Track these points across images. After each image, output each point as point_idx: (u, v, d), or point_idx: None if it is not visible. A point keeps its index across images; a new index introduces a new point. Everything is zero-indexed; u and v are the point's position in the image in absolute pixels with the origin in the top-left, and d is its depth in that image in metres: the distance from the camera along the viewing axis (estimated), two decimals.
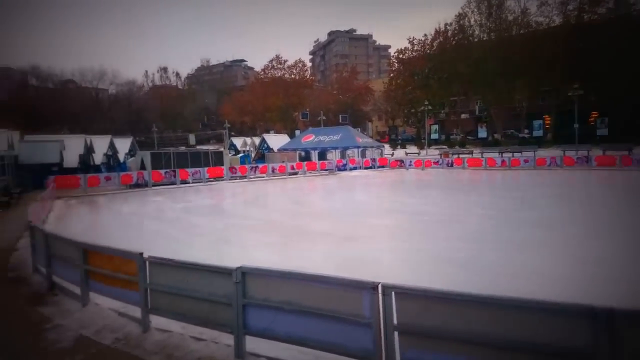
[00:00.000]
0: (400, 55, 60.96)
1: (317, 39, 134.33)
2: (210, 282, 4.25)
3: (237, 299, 4.00)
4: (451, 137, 56.37)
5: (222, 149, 34.04)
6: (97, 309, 5.57)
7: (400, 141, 59.07)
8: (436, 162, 33.54)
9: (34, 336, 4.90)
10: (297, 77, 70.72)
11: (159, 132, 67.76)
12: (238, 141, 54.22)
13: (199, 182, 25.94)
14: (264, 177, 29.08)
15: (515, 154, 31.91)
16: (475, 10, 50.85)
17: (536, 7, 47.45)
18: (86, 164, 31.73)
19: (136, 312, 5.08)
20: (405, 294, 3.16)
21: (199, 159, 28.71)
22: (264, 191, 22.45)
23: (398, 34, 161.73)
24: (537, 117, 50.77)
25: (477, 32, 52.06)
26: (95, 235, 9.76)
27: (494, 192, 18.27)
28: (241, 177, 28.39)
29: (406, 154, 44.11)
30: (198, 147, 58.00)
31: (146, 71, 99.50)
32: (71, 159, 29.51)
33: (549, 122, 49.58)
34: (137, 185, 23.90)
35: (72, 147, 29.82)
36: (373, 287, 3.24)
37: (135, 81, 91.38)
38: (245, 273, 3.97)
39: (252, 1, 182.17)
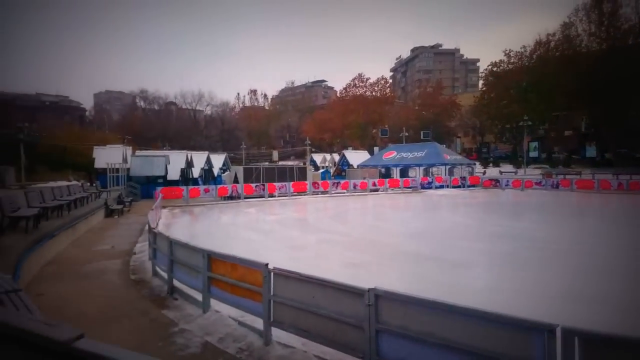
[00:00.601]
0: (494, 68, 57.54)
1: (400, 56, 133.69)
2: (338, 300, 4.05)
3: (370, 323, 3.72)
4: (553, 155, 51.17)
5: (305, 165, 34.88)
6: (218, 317, 5.70)
7: (492, 159, 55.27)
8: (538, 183, 30.50)
9: (164, 339, 5.12)
10: (377, 94, 70.64)
11: (247, 149, 72.18)
12: (318, 157, 55.33)
13: (285, 196, 26.72)
14: (344, 193, 29.04)
15: (634, 177, 27.68)
16: (585, 18, 46.17)
17: None
18: (186, 177, 34.73)
19: (256, 322, 5.11)
20: (593, 339, 2.60)
21: (284, 174, 29.72)
22: (347, 207, 22.28)
23: (487, 47, 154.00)
24: None
25: (585, 42, 47.11)
26: (196, 243, 10.25)
27: (615, 219, 15.78)
28: (322, 192, 28.68)
29: (500, 172, 41.04)
30: (281, 162, 60.57)
31: (238, 93, 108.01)
32: (174, 172, 32.50)
33: None
34: (231, 198, 25.36)
35: (175, 162, 32.85)
36: (550, 329, 2.73)
37: (228, 102, 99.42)
38: (379, 295, 3.69)
39: (334, 22, 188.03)
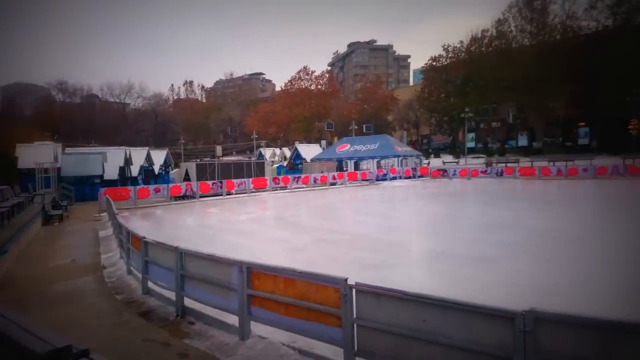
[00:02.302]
0: (434, 63, 59.96)
1: (337, 51, 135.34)
2: (468, 325, 3.12)
3: (526, 355, 2.84)
4: (488, 145, 54.76)
5: (263, 160, 33.43)
6: (266, 344, 4.63)
7: (431, 150, 57.77)
8: (484, 172, 32.19)
9: None
10: (323, 88, 70.46)
11: (185, 144, 67.93)
12: (267, 152, 53.77)
13: (244, 193, 25.25)
14: (304, 187, 28.24)
15: (569, 163, 30.31)
16: (517, 15, 49.68)
17: (583, 11, 46.01)
18: (124, 176, 31.48)
19: (326, 350, 4.18)
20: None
21: (241, 169, 28.17)
22: (317, 202, 21.55)
23: (418, 44, 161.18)
24: (574, 125, 49.16)
25: (518, 38, 50.81)
26: None
27: (582, 203, 16.50)
28: (282, 188, 27.61)
29: (444, 162, 42.85)
30: (225, 158, 57.90)
31: (172, 85, 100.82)
32: (111, 170, 29.25)
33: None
34: (185, 197, 23.31)
35: (112, 159, 29.57)
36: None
37: (161, 94, 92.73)
38: (538, 319, 2.80)
39: (271, 16, 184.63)
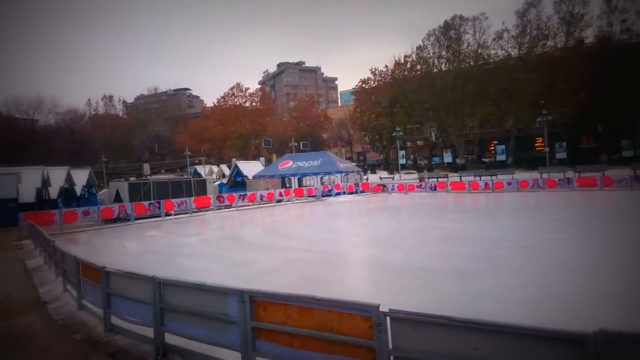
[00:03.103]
0: (364, 85, 62.84)
1: (267, 70, 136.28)
2: (526, 350, 2.76)
3: None
4: (418, 162, 58.16)
5: (204, 178, 31.77)
6: None
7: (366, 166, 59.83)
8: (419, 186, 33.94)
9: None
10: (259, 106, 69.97)
11: (106, 163, 62.53)
12: (202, 169, 51.46)
13: (185, 213, 23.73)
14: (250, 205, 27.38)
15: (493, 177, 33.07)
16: (435, 42, 54.15)
17: (492, 41, 51.50)
18: (42, 199, 27.95)
19: None
20: None
21: (180, 188, 26.51)
22: (269, 219, 20.93)
23: (344, 67, 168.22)
24: (486, 144, 54.61)
25: (436, 63, 55.30)
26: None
27: (522, 214, 17.31)
28: (226, 207, 26.47)
29: (380, 178, 44.48)
30: (154, 177, 54.22)
31: (89, 99, 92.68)
32: (27, 193, 25.81)
33: (492, 147, 53.46)
34: (118, 220, 21.24)
35: (27, 180, 26.14)
36: None
37: (77, 110, 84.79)
38: (612, 341, 2.46)
39: (197, 31, 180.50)
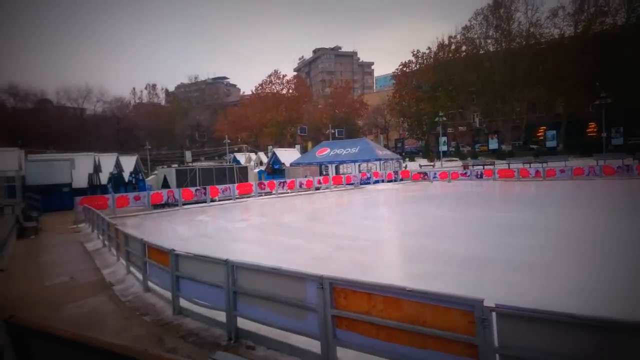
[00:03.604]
0: (405, 69, 60.97)
1: (302, 56, 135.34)
2: None
3: None
4: (461, 148, 56.22)
5: (246, 165, 32.28)
6: None
7: (405, 154, 58.57)
8: (464, 174, 32.78)
9: None
10: (295, 93, 69.89)
11: (151, 150, 64.94)
12: (241, 157, 52.33)
13: (229, 200, 24.17)
14: (290, 192, 27.51)
15: (544, 165, 31.37)
16: (484, 22, 51.53)
17: (546, 19, 48.26)
18: (94, 184, 29.42)
19: None
20: None
21: (223, 175, 27.01)
22: (312, 207, 20.92)
23: (380, 51, 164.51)
24: (534, 130, 51.74)
25: (484, 44, 52.69)
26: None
27: (582, 203, 16.45)
28: (266, 193, 26.73)
29: (420, 166, 43.43)
30: (196, 164, 55.81)
31: (134, 88, 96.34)
32: (80, 178, 27.21)
33: (541, 134, 50.50)
34: (167, 205, 21.95)
35: (80, 166, 27.51)
36: None
37: (122, 98, 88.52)
38: None
39: (233, 19, 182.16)
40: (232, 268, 5.15)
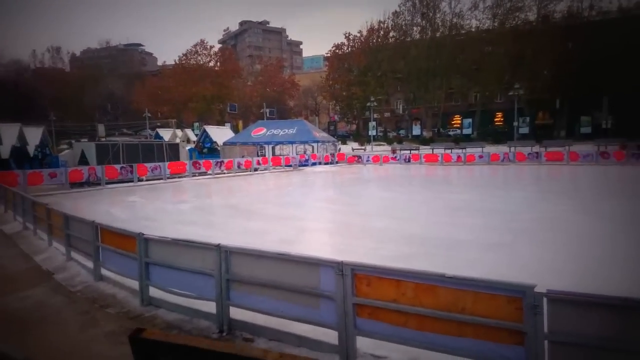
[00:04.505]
0: (337, 50, 61.05)
1: (228, 28, 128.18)
2: None
3: None
4: (388, 133, 58.52)
5: (177, 142, 29.90)
6: None
7: (336, 137, 59.41)
8: (393, 158, 34.29)
9: None
10: (223, 67, 66.19)
11: (58, 122, 57.38)
12: (165, 133, 48.61)
13: (159, 179, 22.36)
14: (227, 173, 26.30)
15: (464, 151, 33.95)
16: (412, 8, 53.45)
17: (467, 10, 51.53)
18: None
19: None
20: None
21: (152, 152, 24.84)
22: (256, 188, 20.24)
23: (309, 31, 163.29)
24: (449, 117, 56.11)
25: (409, 32, 54.80)
26: None
27: (512, 186, 17.87)
28: (201, 174, 25.25)
29: (352, 149, 44.44)
30: (110, 139, 50.57)
31: (34, 51, 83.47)
32: None
33: (459, 121, 54.96)
34: (88, 183, 19.58)
35: None
36: None
37: (21, 61, 76.39)
38: None
39: None
40: (225, 254, 4.64)
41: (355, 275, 3.84)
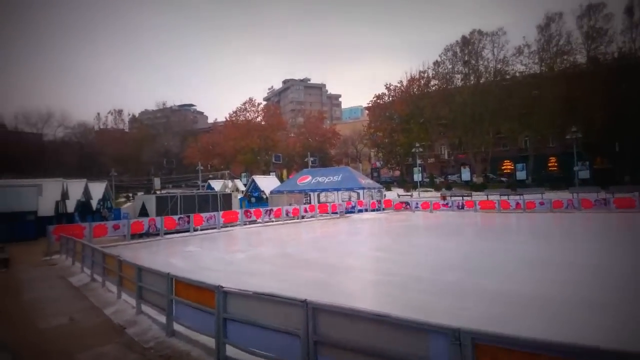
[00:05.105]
0: (379, 100, 62.61)
1: (272, 86, 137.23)
2: None
3: None
4: (435, 179, 57.33)
5: (230, 192, 30.91)
6: None
7: (381, 183, 58.97)
8: (445, 205, 33.05)
9: None
10: (271, 120, 69.73)
11: (117, 177, 61.69)
12: (216, 184, 50.57)
13: (213, 229, 22.79)
14: (276, 221, 26.41)
15: (523, 197, 32.03)
16: (453, 57, 54.20)
17: (511, 56, 51.26)
18: (60, 212, 27.05)
19: None
20: None
21: (207, 202, 25.64)
22: (308, 236, 20.05)
23: (347, 84, 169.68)
24: (498, 162, 54.21)
25: (452, 79, 55.21)
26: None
27: (583, 237, 16.46)
28: (251, 222, 25.51)
29: (398, 195, 43.62)
30: (164, 191, 53.33)
31: (98, 113, 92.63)
32: (46, 206, 24.92)
33: (510, 166, 52.84)
34: (147, 234, 20.29)
35: (47, 193, 25.24)
36: None
37: (86, 124, 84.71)
38: None
39: (201, 46, 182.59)
40: (312, 311, 4.30)
41: (476, 346, 3.25)
